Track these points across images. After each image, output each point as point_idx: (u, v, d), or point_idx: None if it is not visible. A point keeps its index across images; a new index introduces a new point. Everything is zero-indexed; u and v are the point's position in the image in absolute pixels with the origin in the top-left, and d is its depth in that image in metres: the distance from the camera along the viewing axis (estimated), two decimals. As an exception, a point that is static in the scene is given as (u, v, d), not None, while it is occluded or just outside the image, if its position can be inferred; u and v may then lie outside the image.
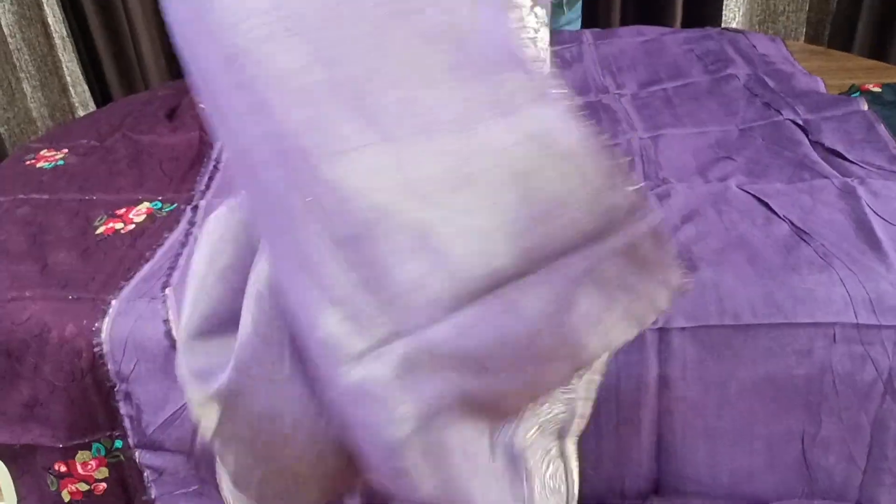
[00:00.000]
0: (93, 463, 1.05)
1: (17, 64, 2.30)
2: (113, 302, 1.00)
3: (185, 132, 1.45)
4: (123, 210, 1.23)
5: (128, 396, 0.99)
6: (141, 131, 1.48)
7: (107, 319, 0.98)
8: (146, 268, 1.08)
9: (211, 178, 1.30)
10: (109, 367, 0.97)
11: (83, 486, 1.07)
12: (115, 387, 0.98)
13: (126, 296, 1.01)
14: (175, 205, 1.23)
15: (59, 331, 1.00)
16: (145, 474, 1.03)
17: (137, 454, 1.03)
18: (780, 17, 2.23)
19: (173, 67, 2.40)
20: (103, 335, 0.97)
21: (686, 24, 2.26)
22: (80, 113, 2.35)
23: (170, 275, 1.05)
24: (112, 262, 1.11)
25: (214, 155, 1.37)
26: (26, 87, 2.33)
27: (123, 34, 2.40)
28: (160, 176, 1.34)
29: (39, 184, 1.33)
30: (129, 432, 1.01)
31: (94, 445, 1.04)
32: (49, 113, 2.39)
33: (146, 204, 1.25)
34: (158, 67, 2.41)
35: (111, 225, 1.20)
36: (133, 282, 1.05)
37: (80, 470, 1.05)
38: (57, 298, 1.04)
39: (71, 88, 2.41)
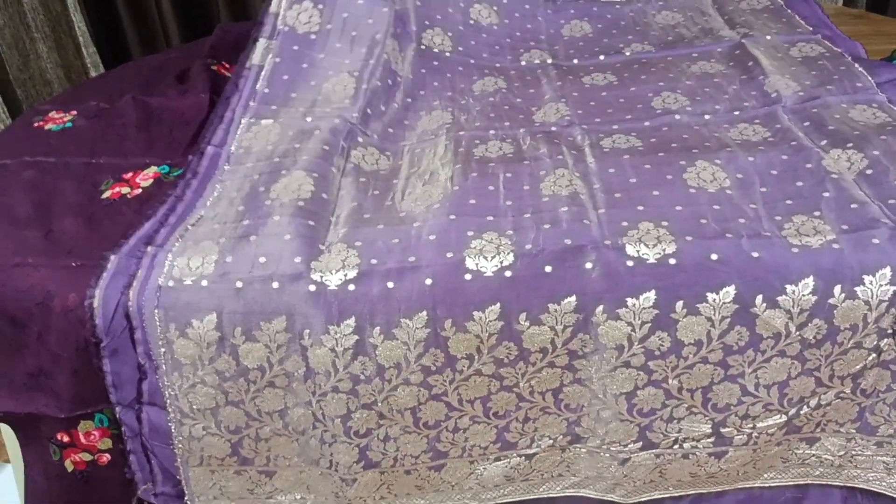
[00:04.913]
0: (96, 433, 1.03)
1: (33, 24, 2.27)
2: (112, 258, 0.99)
3: (195, 95, 1.41)
4: (130, 174, 1.20)
5: (114, 353, 0.97)
6: (151, 94, 1.44)
7: (102, 279, 0.97)
8: (147, 226, 1.06)
9: (214, 132, 1.25)
10: (98, 322, 0.95)
11: (86, 457, 1.05)
12: (100, 343, 0.96)
13: (125, 252, 1.00)
14: (183, 169, 1.20)
15: (62, 299, 0.98)
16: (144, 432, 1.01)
17: (118, 410, 1.00)
18: (817, -21, 2.13)
19: (196, 27, 2.35)
20: (96, 294, 0.96)
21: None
22: (93, 75, 2.32)
23: (157, 230, 1.04)
24: (118, 228, 1.08)
25: (220, 111, 1.32)
26: (41, 47, 2.30)
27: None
28: (169, 140, 1.30)
29: (47, 146, 1.30)
30: (111, 390, 0.99)
31: (97, 416, 1.02)
32: (65, 74, 2.36)
33: (154, 168, 1.21)
34: (180, 28, 2.37)
35: (117, 189, 1.17)
36: (132, 240, 1.03)
37: (82, 440, 1.04)
38: (60, 266, 1.01)
39: (84, 49, 2.37)
